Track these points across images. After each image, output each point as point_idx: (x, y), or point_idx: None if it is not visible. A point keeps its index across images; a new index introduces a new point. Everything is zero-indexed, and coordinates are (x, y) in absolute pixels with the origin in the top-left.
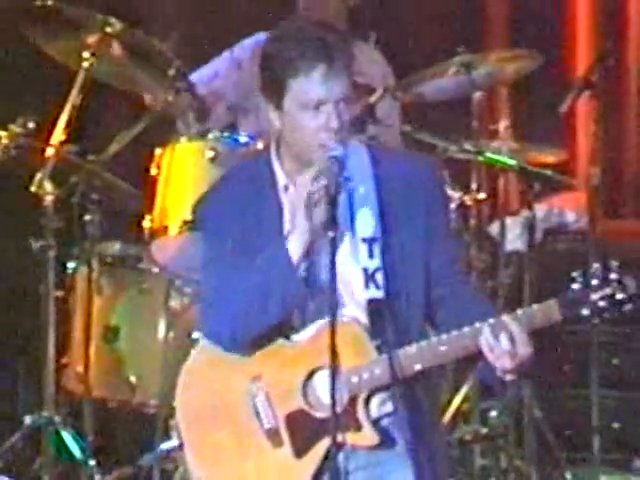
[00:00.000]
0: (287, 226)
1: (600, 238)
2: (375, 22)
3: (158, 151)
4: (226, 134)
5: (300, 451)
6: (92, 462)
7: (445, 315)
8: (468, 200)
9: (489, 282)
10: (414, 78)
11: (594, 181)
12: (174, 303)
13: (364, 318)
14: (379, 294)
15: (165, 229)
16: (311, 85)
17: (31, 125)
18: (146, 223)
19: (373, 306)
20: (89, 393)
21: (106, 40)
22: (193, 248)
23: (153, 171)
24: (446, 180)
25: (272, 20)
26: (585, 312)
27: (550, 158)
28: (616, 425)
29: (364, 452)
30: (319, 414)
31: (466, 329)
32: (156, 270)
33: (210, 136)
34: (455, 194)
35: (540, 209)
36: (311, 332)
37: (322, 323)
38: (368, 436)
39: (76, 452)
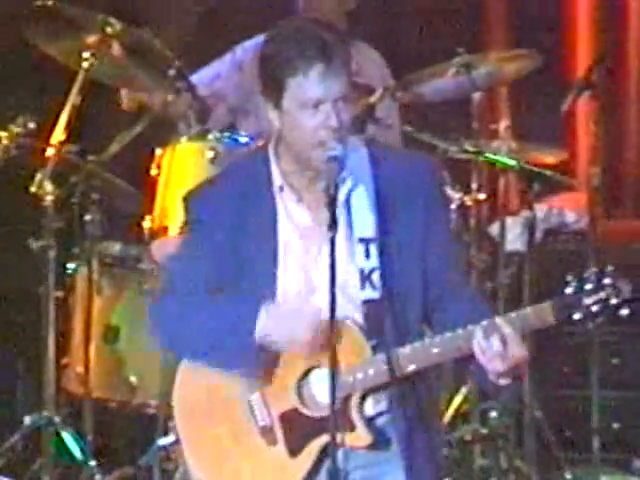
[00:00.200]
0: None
1: (600, 238)
2: (375, 22)
3: (158, 151)
4: (226, 134)
5: (294, 450)
6: (92, 462)
7: (442, 316)
8: (468, 200)
9: (489, 282)
10: (414, 78)
11: (594, 181)
12: None
13: (360, 318)
14: (375, 295)
15: (165, 229)
16: (309, 84)
17: (31, 125)
18: (146, 223)
19: (369, 307)
20: (89, 393)
21: (106, 40)
22: None
23: (153, 171)
24: (446, 180)
25: (272, 21)
26: (578, 316)
27: (550, 158)
28: (616, 425)
29: (363, 451)
30: (313, 413)
31: (459, 331)
32: (156, 270)
33: (210, 136)
34: (455, 194)
35: (540, 209)
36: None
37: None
38: (362, 436)
39: (76, 452)
